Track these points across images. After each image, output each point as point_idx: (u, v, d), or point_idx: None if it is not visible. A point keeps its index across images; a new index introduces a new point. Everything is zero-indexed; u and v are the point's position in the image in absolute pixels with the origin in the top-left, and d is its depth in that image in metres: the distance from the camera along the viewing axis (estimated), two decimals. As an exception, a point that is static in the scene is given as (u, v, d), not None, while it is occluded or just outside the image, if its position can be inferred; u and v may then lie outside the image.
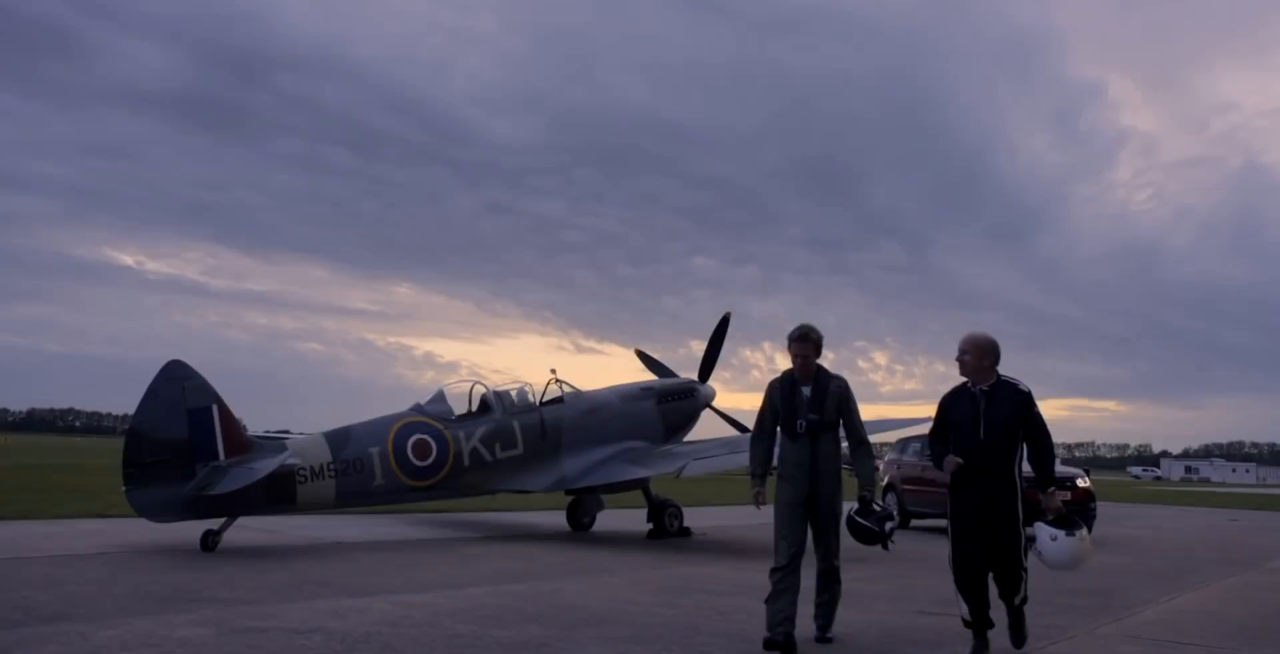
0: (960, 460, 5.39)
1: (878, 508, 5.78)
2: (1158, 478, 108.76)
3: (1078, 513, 14.61)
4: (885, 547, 5.80)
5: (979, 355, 5.53)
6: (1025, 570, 5.45)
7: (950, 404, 5.65)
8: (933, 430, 5.74)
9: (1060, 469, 16.02)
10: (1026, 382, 5.61)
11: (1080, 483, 14.77)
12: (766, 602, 5.54)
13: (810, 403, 5.74)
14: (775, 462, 5.94)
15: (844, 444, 6.01)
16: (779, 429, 5.86)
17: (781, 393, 5.83)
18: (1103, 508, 17.38)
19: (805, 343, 5.81)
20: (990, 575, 5.45)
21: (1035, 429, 5.47)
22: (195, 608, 6.15)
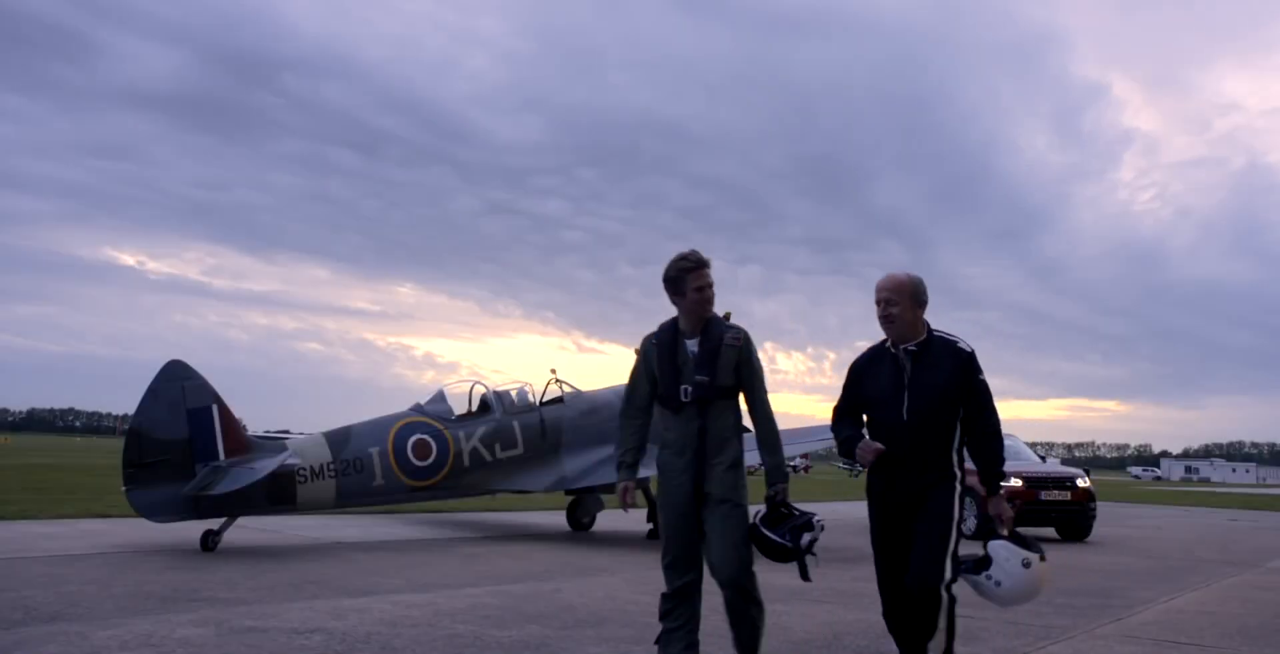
0: (881, 446, 4.06)
1: (795, 513, 4.25)
2: (1158, 478, 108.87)
3: (1077, 514, 14.87)
4: (804, 572, 4.19)
5: (909, 303, 4.12)
6: (949, 600, 3.97)
7: (864, 371, 4.26)
8: (837, 408, 4.38)
9: (1060, 469, 16.07)
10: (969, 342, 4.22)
11: (1080, 483, 14.76)
12: (656, 643, 4.33)
13: (698, 361, 4.24)
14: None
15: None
16: (659, 401, 4.42)
17: (659, 349, 4.34)
18: (1103, 508, 17.39)
19: (706, 272, 4.28)
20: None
21: (978, 404, 4.10)
22: (195, 608, 6.15)
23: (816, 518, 4.22)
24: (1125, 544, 14.24)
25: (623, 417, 4.54)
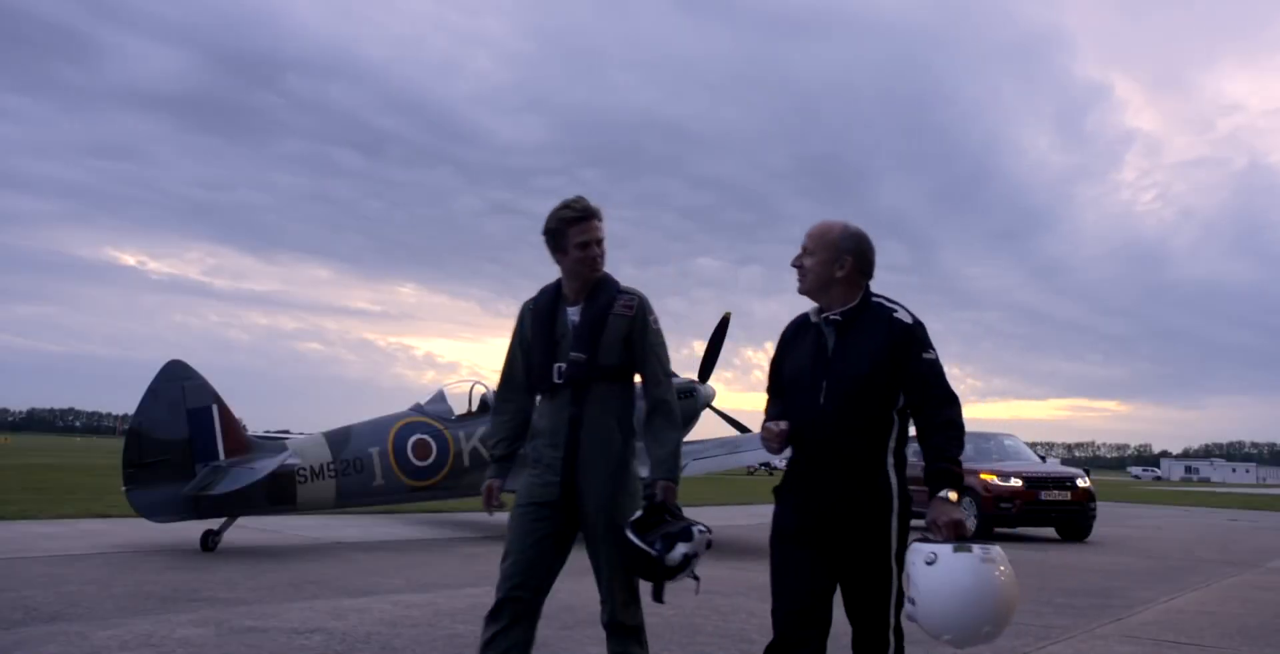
0: (784, 426, 3.14)
1: (675, 519, 3.36)
2: (1158, 478, 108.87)
3: (1077, 514, 14.86)
4: (658, 593, 3.36)
5: (829, 255, 3.18)
6: (896, 634, 3.12)
7: (788, 344, 3.36)
8: (767, 389, 3.48)
9: (1060, 469, 16.07)
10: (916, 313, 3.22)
11: (1080, 483, 14.76)
12: None
13: (577, 333, 3.47)
14: None
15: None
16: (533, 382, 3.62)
17: (536, 319, 3.57)
18: (1103, 508, 17.39)
19: (595, 224, 3.50)
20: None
21: (925, 389, 3.09)
22: (195, 608, 6.15)
23: (700, 528, 3.31)
24: (1125, 544, 14.24)
25: (495, 400, 3.77)
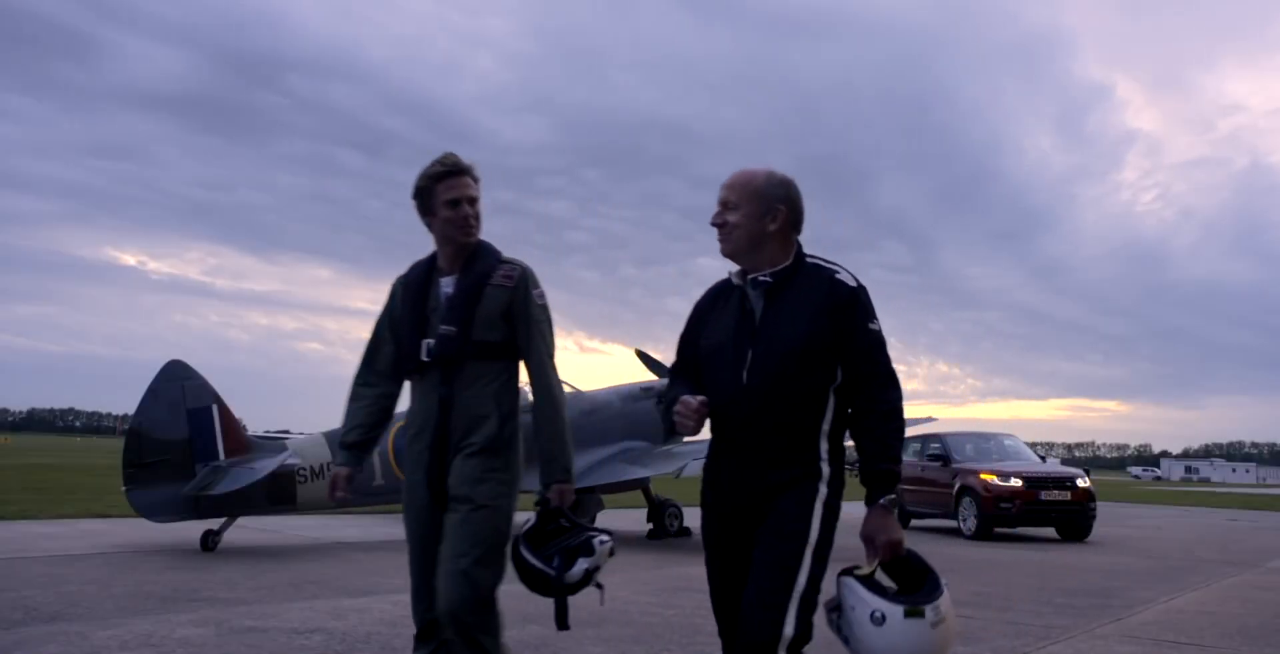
0: (701, 401, 2.63)
1: (574, 528, 3.02)
2: (1158, 478, 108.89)
3: (1077, 514, 14.87)
4: (561, 616, 2.97)
5: (757, 206, 2.72)
6: (800, 626, 2.51)
7: (705, 314, 2.87)
8: (672, 366, 2.97)
9: (1060, 469, 16.06)
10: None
11: (1080, 483, 14.76)
12: None
13: (449, 305, 3.09)
14: None
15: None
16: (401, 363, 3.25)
17: (406, 293, 3.22)
18: (1103, 508, 17.39)
19: (467, 182, 3.12)
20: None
21: (864, 365, 2.65)
22: (195, 608, 6.15)
23: (603, 539, 2.97)
24: (1125, 544, 14.24)
25: (353, 385, 3.33)
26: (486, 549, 3.00)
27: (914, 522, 16.33)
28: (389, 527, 12.83)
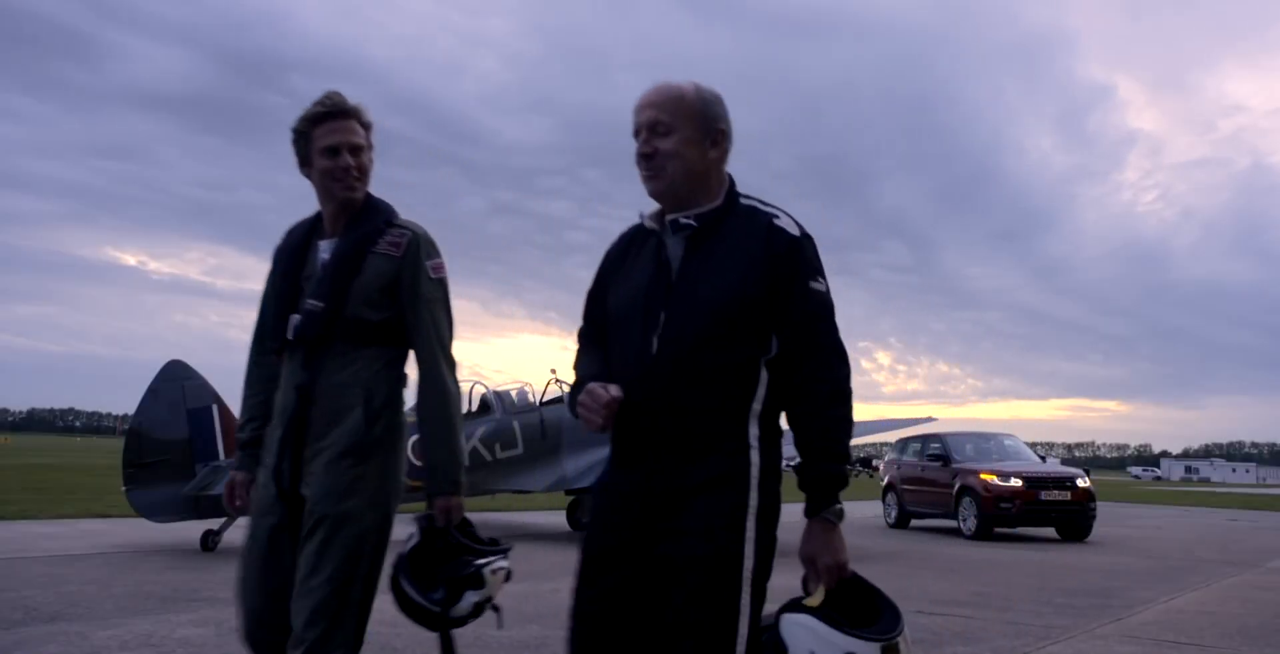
0: (609, 395, 2.04)
1: (466, 551, 2.57)
2: (1158, 478, 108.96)
3: (1077, 514, 14.88)
4: (447, 646, 2.67)
5: (695, 129, 2.11)
6: None
7: (615, 265, 2.26)
8: (580, 331, 2.36)
9: (1060, 469, 16.06)
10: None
11: (1080, 483, 14.76)
12: None
13: (323, 275, 2.56)
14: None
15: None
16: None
17: (282, 258, 2.69)
18: (1103, 508, 17.39)
19: (351, 126, 2.57)
20: None
21: (809, 334, 2.07)
22: (195, 608, 6.15)
23: (496, 565, 2.54)
24: (1125, 544, 14.24)
25: (247, 367, 2.76)
26: (346, 579, 2.43)
27: (914, 522, 16.33)
28: (389, 527, 12.84)
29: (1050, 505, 14.39)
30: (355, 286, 2.54)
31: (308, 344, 2.55)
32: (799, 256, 2.08)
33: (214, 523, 9.50)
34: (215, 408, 9.64)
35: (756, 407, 2.06)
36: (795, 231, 2.10)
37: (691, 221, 2.11)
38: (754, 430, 2.06)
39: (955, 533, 14.64)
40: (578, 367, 2.28)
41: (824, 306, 2.10)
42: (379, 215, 2.64)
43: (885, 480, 17.31)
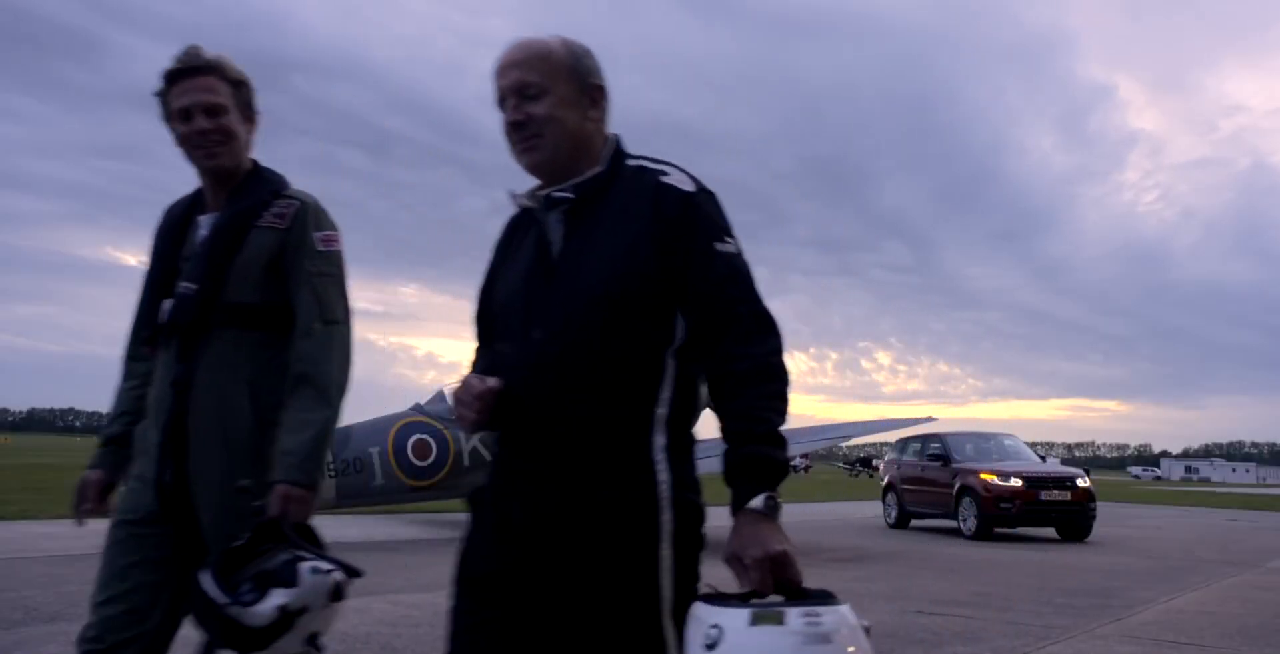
0: (491, 386, 1.67)
1: (288, 550, 2.00)
2: (1158, 478, 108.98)
3: (1077, 514, 14.88)
4: None
5: (571, 88, 1.77)
6: None
7: (502, 257, 1.92)
8: (476, 330, 1.99)
9: (1060, 469, 16.07)
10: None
11: (1080, 483, 14.77)
12: None
13: (201, 254, 2.24)
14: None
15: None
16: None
17: (158, 238, 2.36)
18: (1103, 508, 17.39)
19: (208, 81, 2.21)
20: None
21: (720, 304, 1.66)
22: (195, 608, 6.15)
23: (321, 566, 1.97)
24: (1125, 544, 14.24)
25: (122, 359, 2.42)
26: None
27: (914, 522, 16.34)
28: (389, 527, 12.84)
29: (1050, 505, 14.39)
30: (236, 265, 2.21)
31: (182, 332, 2.21)
32: (695, 215, 1.70)
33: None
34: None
35: (662, 411, 1.70)
36: (688, 186, 1.73)
37: (568, 193, 1.75)
38: (659, 440, 1.70)
39: (955, 533, 14.64)
40: (479, 360, 1.95)
41: (735, 270, 1.71)
42: (265, 186, 2.29)
43: (885, 480, 17.30)
